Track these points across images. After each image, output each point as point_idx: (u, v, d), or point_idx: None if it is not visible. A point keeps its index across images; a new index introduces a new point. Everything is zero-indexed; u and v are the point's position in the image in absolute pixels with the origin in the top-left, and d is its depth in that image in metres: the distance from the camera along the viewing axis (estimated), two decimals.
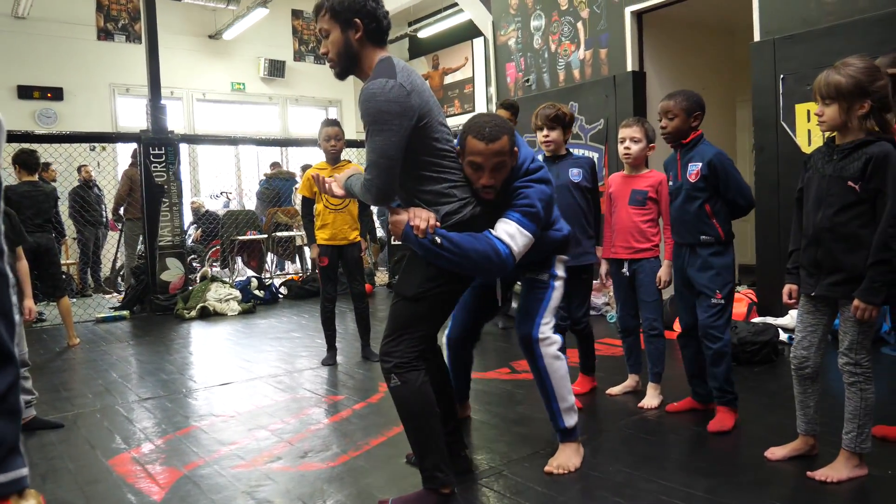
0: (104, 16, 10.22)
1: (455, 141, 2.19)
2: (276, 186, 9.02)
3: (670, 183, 2.88)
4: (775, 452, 2.39)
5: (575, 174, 3.21)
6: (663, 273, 3.08)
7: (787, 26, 4.50)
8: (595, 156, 5.90)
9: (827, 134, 2.24)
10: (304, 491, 2.32)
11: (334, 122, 4.26)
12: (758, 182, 4.70)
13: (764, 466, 2.35)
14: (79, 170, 8.20)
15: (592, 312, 5.50)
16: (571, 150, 3.36)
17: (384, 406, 3.26)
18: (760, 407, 3.04)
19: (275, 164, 9.84)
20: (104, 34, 10.19)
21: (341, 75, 2.17)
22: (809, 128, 4.39)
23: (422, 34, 10.61)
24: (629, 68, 5.67)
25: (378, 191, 2.00)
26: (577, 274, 3.12)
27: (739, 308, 4.57)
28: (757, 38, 4.71)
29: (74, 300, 7.57)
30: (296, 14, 11.52)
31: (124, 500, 2.32)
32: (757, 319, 4.36)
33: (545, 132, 3.21)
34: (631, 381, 3.34)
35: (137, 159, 6.83)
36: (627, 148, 3.15)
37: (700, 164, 2.71)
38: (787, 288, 2.35)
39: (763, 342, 3.71)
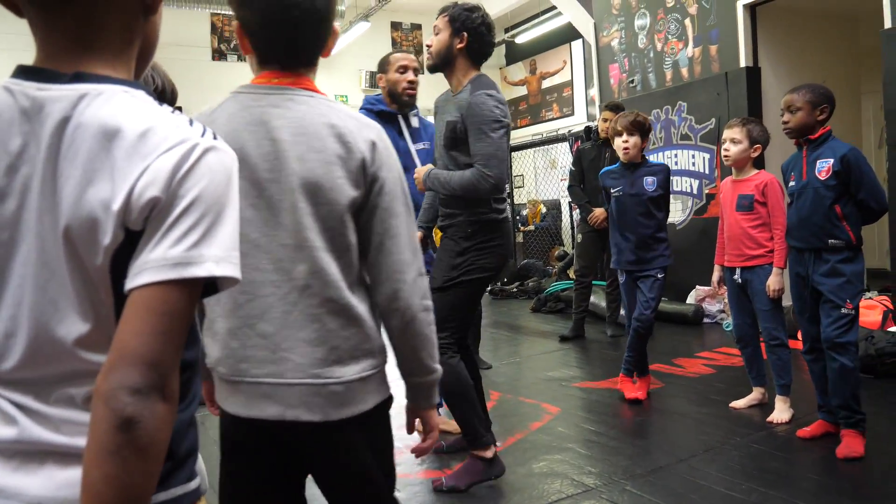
0: (218, 37, 10.85)
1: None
2: None
3: (792, 184, 2.68)
4: None
5: (649, 183, 3.30)
6: (773, 282, 2.88)
7: None
8: (706, 156, 5.67)
9: None
10: (425, 499, 2.34)
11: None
12: (891, 179, 4.34)
13: None
14: None
15: (707, 320, 5.28)
16: (649, 156, 3.55)
17: (496, 415, 3.24)
18: None
19: None
20: (218, 55, 10.82)
21: (431, 69, 2.44)
22: None
23: (519, 39, 10.57)
24: (742, 64, 5.39)
25: (498, 180, 2.25)
26: (636, 277, 3.35)
27: (874, 316, 4.23)
28: (888, 24, 4.36)
29: None
30: (394, 26, 11.78)
31: None
32: (894, 329, 4.03)
33: (625, 137, 3.31)
34: (756, 393, 3.16)
35: None
36: (727, 149, 3.04)
37: (832, 159, 2.52)
38: None
39: None
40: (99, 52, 0.73)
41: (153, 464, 0.64)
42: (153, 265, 0.66)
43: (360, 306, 1.14)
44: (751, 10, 5.40)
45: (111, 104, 0.69)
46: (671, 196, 3.50)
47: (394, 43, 11.77)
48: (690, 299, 5.42)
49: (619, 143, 3.33)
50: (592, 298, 5.29)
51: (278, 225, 1.09)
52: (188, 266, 0.66)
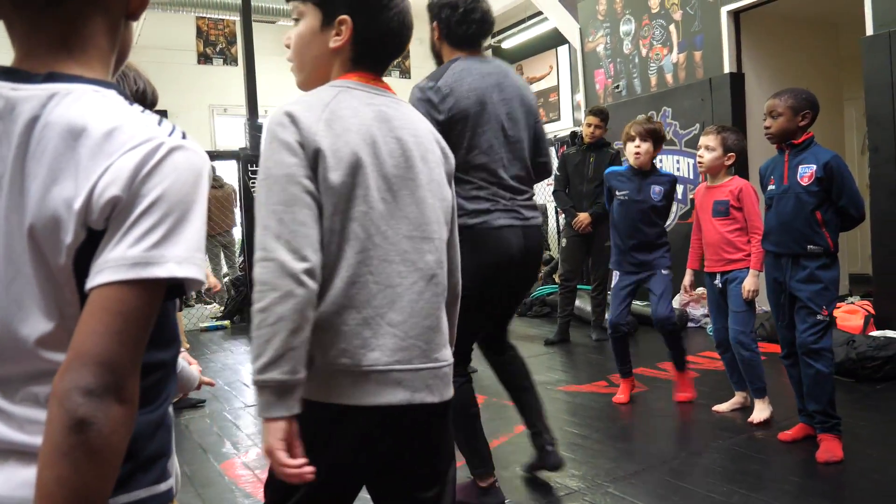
0: (203, 41, 10.80)
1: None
2: None
3: (772, 187, 2.68)
4: None
5: (656, 192, 3.28)
6: (749, 283, 2.89)
7: None
8: (690, 161, 5.70)
9: None
10: None
11: None
12: (873, 185, 4.40)
13: None
14: None
15: (691, 324, 5.30)
16: (657, 163, 3.48)
17: (488, 412, 3.23)
18: (886, 427, 2.83)
19: None
20: (203, 58, 10.76)
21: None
22: None
23: (505, 45, 10.61)
24: (726, 70, 5.45)
25: None
26: (632, 279, 3.35)
27: (855, 321, 4.28)
28: (869, 31, 4.42)
29: (180, 310, 7.98)
30: None
31: (237, 503, 2.41)
32: (876, 333, 4.07)
33: (637, 142, 3.26)
34: (738, 398, 3.17)
35: (214, 180, 7.35)
36: (700, 156, 3.08)
37: (815, 166, 2.53)
38: None
39: (886, 357, 3.45)
40: (77, 54, 0.73)
41: (107, 466, 0.63)
42: (112, 265, 0.65)
43: None
44: (735, 16, 5.46)
45: (79, 103, 0.69)
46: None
47: None
48: (675, 303, 5.44)
49: (630, 149, 3.28)
50: (577, 302, 5.30)
51: (403, 218, 1.15)
52: (148, 266, 0.65)
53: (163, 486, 0.77)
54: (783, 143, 2.64)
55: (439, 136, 1.28)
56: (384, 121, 1.16)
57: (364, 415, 1.10)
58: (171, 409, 0.81)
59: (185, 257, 0.68)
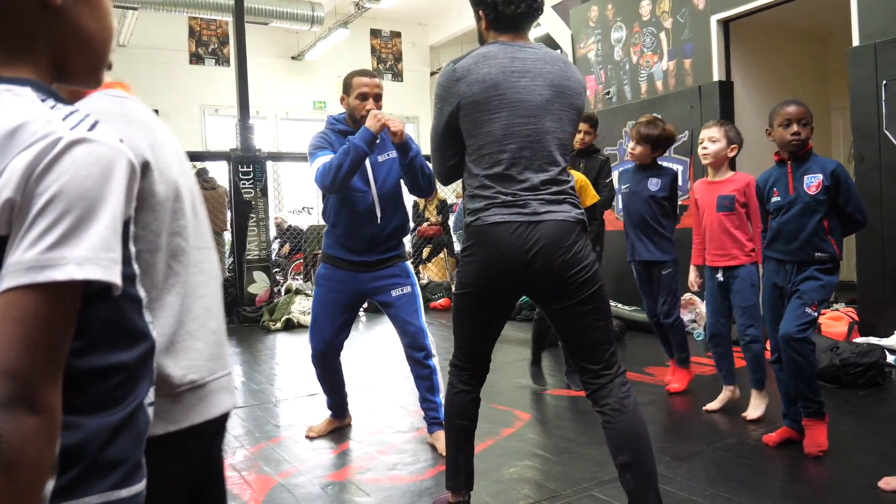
0: (196, 41, 10.79)
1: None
2: None
3: (776, 198, 2.70)
4: (890, 483, 2.23)
5: (654, 183, 3.50)
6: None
7: (888, 29, 4.27)
8: (679, 168, 5.75)
9: None
10: (396, 503, 2.34)
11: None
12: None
13: (877, 498, 2.20)
14: None
15: None
16: (662, 163, 3.67)
17: None
18: (868, 433, 2.86)
19: None
20: (195, 58, 10.75)
21: None
22: None
23: None
24: (715, 78, 5.51)
25: (433, 170, 2.16)
26: (648, 269, 3.57)
27: (840, 327, 4.33)
28: (856, 42, 4.49)
29: None
30: (374, 33, 11.81)
31: None
32: (859, 340, 4.12)
33: (632, 144, 3.56)
34: (726, 392, 3.22)
35: (207, 182, 7.35)
36: (705, 148, 3.13)
37: (821, 175, 2.57)
38: None
39: (868, 364, 3.49)
40: None
41: (22, 479, 0.60)
42: (11, 269, 0.62)
43: None
44: (724, 25, 5.51)
45: None
46: None
47: (373, 50, 11.79)
48: None
49: (628, 148, 3.63)
50: None
51: (200, 224, 1.13)
52: (44, 269, 0.62)
53: (123, 493, 0.72)
54: (798, 153, 2.64)
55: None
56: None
57: (207, 428, 1.07)
58: (148, 410, 0.77)
59: (88, 258, 0.63)
